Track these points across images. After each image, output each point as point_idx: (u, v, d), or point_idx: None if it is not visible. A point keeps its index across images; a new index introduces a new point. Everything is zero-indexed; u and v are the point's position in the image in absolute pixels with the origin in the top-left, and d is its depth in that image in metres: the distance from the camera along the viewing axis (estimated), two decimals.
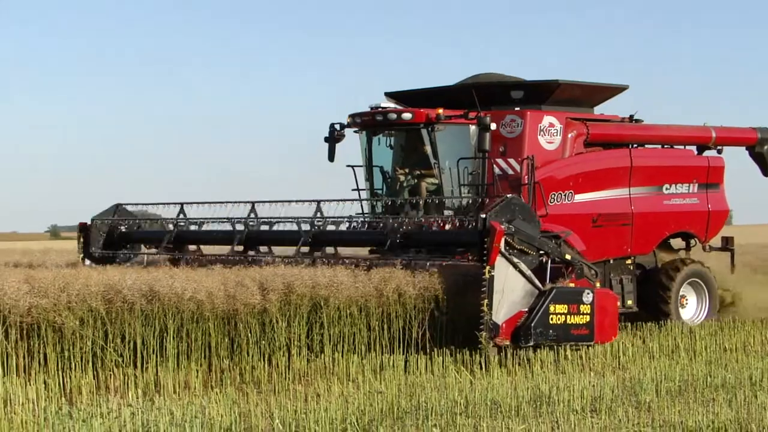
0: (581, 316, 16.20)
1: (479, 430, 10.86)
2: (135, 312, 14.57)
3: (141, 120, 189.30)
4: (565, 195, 19.68)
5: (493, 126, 18.46)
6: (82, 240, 20.93)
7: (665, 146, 22.36)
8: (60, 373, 13.93)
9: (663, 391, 13.30)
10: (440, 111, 18.58)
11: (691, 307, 21.39)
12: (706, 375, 14.45)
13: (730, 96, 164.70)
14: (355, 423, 11.27)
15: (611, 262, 20.38)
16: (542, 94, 20.13)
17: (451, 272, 16.69)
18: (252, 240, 19.25)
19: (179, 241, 20.19)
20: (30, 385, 13.19)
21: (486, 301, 15.38)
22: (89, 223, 20.99)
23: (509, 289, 15.84)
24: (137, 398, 12.76)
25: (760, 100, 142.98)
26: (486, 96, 19.08)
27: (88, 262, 20.21)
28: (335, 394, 13.00)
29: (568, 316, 16.10)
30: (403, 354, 15.80)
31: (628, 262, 20.77)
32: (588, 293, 16.29)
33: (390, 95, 20.77)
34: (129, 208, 21.46)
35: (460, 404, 12.24)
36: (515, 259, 15.90)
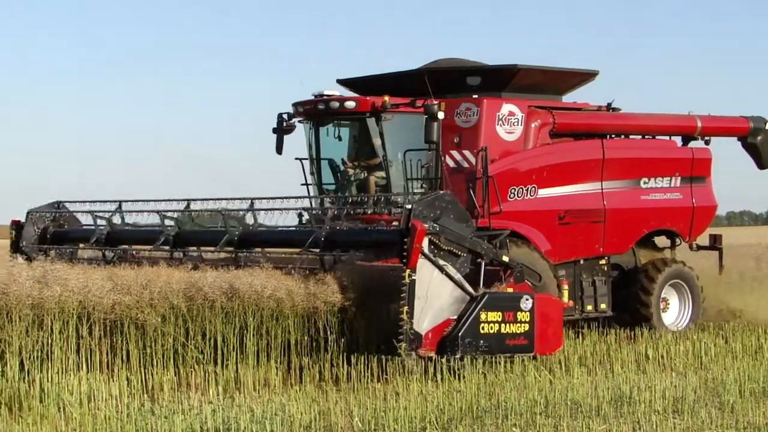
0: (518, 325, 14.75)
1: (559, 430, 10.79)
2: (215, 309, 14.63)
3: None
4: (527, 189, 18.13)
5: (441, 115, 16.70)
6: (13, 235, 19.45)
7: (646, 137, 20.96)
8: (142, 369, 14.06)
9: (747, 392, 13.11)
10: (386, 99, 17.08)
11: (673, 311, 20.00)
12: None
13: (727, 85, 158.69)
14: (434, 421, 11.26)
15: (582, 262, 19.05)
16: (501, 81, 18.50)
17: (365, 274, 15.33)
18: (181, 240, 17.65)
19: (111, 240, 18.57)
20: (113, 381, 13.34)
21: (406, 308, 13.92)
22: (24, 219, 19.52)
23: (434, 294, 14.32)
24: (218, 395, 12.88)
25: (757, 91, 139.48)
26: (441, 83, 17.88)
27: (19, 258, 18.88)
28: (414, 393, 12.98)
29: (503, 325, 14.64)
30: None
31: (602, 262, 19.40)
32: (527, 299, 14.81)
33: (342, 82, 19.45)
34: (69, 206, 19.88)
35: (540, 404, 12.17)
36: (441, 262, 14.39)
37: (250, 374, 13.72)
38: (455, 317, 14.40)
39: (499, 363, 15.23)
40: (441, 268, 14.32)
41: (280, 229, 16.90)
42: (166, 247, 17.35)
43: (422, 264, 14.08)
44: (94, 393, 12.68)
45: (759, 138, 21.78)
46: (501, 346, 14.58)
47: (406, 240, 14.02)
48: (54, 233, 19.24)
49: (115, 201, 19.03)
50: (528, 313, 14.73)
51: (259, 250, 16.61)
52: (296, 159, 18.60)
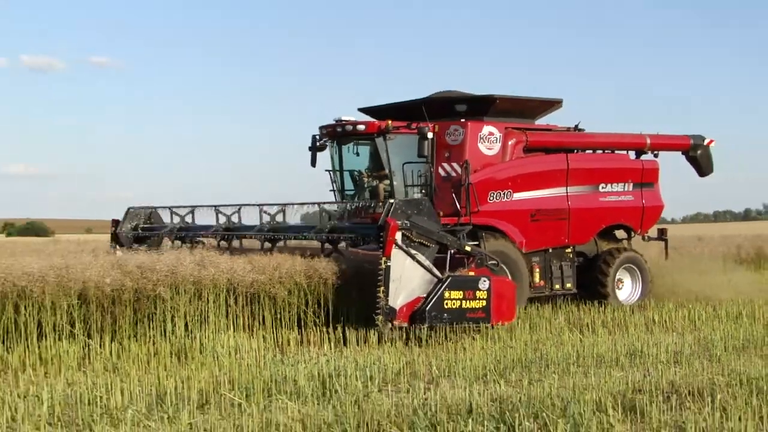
0: (477, 301, 14.29)
1: (588, 376, 10.77)
2: (328, 285, 14.74)
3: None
4: (504, 193, 17.63)
5: (430, 135, 16.53)
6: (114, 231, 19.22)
7: (606, 151, 20.23)
8: (274, 330, 14.19)
9: (730, 348, 13.03)
10: (389, 123, 16.79)
11: (626, 289, 19.55)
12: (764, 335, 14.11)
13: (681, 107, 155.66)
14: (493, 369, 11.30)
15: (550, 250, 18.56)
16: (483, 107, 17.98)
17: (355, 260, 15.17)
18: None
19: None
20: (253, 338, 13.53)
21: (383, 287, 13.66)
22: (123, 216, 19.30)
23: (407, 277, 13.96)
24: (330, 349, 13.03)
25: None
26: (437, 110, 17.40)
27: (118, 249, 18.34)
28: (477, 348, 13.06)
29: (464, 301, 14.22)
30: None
31: (568, 250, 18.89)
32: (484, 281, 14.33)
33: (362, 110, 18.93)
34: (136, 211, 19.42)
35: (573, 356, 12.19)
36: (413, 251, 14.04)
37: (354, 334, 13.80)
38: (425, 295, 14.09)
39: (541, 326, 15.27)
40: (413, 257, 14.03)
41: (299, 226, 16.90)
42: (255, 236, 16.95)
43: (396, 253, 13.82)
44: (239, 347, 12.88)
45: (699, 152, 21.27)
46: (462, 318, 14.22)
47: (382, 234, 13.84)
48: (143, 228, 19.16)
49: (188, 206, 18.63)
50: (485, 292, 14.31)
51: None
52: (326, 171, 18.25)
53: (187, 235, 18.20)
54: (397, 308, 13.85)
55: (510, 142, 18.06)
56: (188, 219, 18.52)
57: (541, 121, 19.59)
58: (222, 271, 14.10)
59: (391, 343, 13.48)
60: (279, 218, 16.64)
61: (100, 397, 9.55)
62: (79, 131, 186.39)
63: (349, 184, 18.09)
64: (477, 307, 14.31)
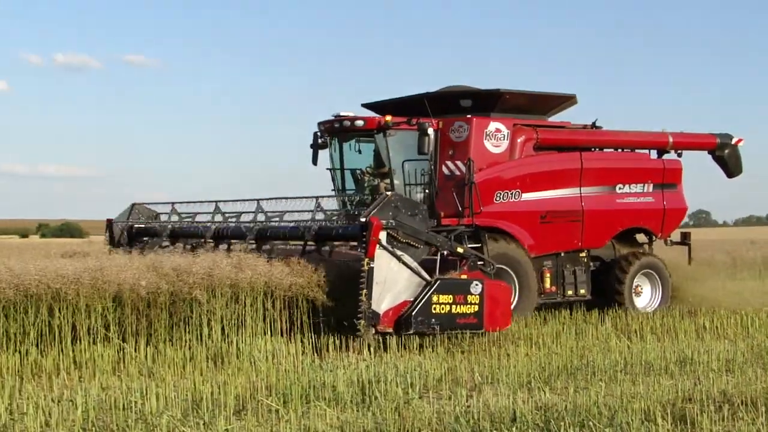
0: (468, 306, 13.69)
1: (636, 384, 10.58)
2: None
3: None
4: (512, 194, 17.10)
5: (431, 131, 16.23)
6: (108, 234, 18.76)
7: (626, 150, 19.65)
8: (312, 335, 14.08)
9: None
10: (388, 118, 16.37)
11: (645, 296, 18.84)
12: None
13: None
14: (538, 377, 11.15)
15: (562, 254, 18.00)
16: (489, 103, 17.41)
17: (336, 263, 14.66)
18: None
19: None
20: (290, 343, 13.45)
21: (365, 291, 13.06)
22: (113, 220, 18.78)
23: (392, 280, 13.38)
24: (370, 355, 12.89)
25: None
26: (441, 105, 17.02)
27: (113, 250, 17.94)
28: (521, 354, 12.88)
29: (454, 306, 13.61)
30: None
31: (582, 254, 18.29)
32: (476, 284, 13.74)
33: (366, 105, 18.43)
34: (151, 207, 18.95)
35: (620, 363, 11.99)
36: (399, 252, 13.44)
37: (394, 339, 13.70)
38: (412, 299, 13.50)
39: (587, 332, 15.08)
40: (399, 258, 13.45)
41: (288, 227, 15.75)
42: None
43: (380, 254, 13.26)
44: (276, 352, 12.84)
45: (726, 152, 20.57)
46: (452, 324, 13.65)
47: (365, 233, 13.26)
48: (138, 228, 18.53)
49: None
50: (478, 296, 13.73)
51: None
52: (327, 169, 17.87)
53: (182, 235, 17.51)
54: (381, 313, 13.34)
55: (519, 140, 17.56)
56: (187, 219, 17.95)
57: (556, 118, 19.12)
58: (259, 273, 14.01)
59: (432, 349, 13.35)
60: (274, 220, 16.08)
61: (135, 402, 9.51)
62: (114, 131, 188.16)
63: (350, 184, 17.66)
64: (468, 312, 13.74)
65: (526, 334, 14.58)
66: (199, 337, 13.42)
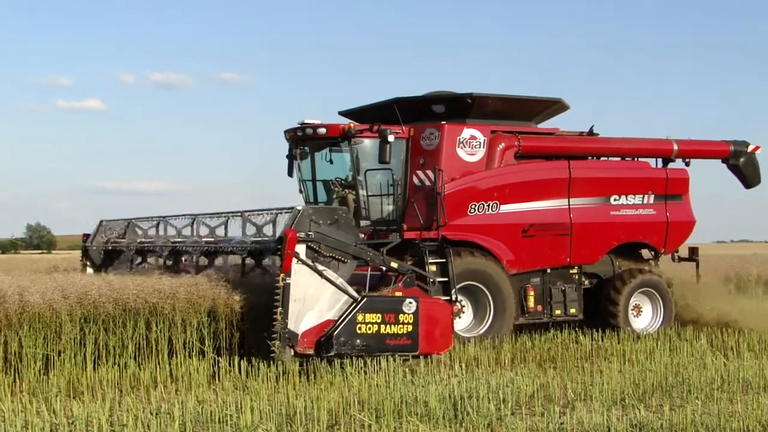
0: (400, 326, 12.89)
1: (734, 402, 10.52)
2: None
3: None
4: (488, 205, 16.04)
5: (392, 138, 15.22)
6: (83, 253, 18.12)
7: (625, 158, 18.42)
8: None
9: None
10: (351, 125, 15.59)
11: (646, 316, 17.68)
12: None
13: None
14: (632, 394, 11.14)
15: (549, 271, 16.89)
16: (463, 108, 16.37)
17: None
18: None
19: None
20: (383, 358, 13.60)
21: (280, 309, 12.21)
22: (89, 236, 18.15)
23: (313, 297, 12.53)
24: (462, 370, 12.95)
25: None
26: (413, 111, 16.14)
27: (89, 269, 17.70)
28: (615, 371, 12.86)
29: (383, 326, 12.79)
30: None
31: (573, 271, 17.18)
32: (410, 302, 12.94)
33: (342, 113, 17.43)
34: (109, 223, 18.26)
35: (717, 381, 11.90)
36: (321, 267, 12.60)
37: (485, 354, 13.78)
38: (336, 318, 12.70)
39: (682, 349, 14.96)
40: (320, 273, 12.60)
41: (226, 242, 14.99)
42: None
43: (298, 269, 12.41)
44: (368, 366, 12.83)
45: (741, 160, 19.22)
46: (381, 346, 12.85)
47: (279, 247, 12.55)
48: (114, 243, 17.70)
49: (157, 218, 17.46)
50: (412, 315, 12.94)
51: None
52: (300, 180, 16.95)
53: (148, 249, 16.79)
54: (300, 333, 12.48)
55: (498, 147, 16.59)
56: (152, 232, 17.30)
57: (548, 125, 18.16)
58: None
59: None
60: (220, 231, 15.38)
61: (230, 416, 9.78)
62: (206, 147, 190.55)
63: (322, 195, 16.79)
64: (400, 333, 12.96)
65: (619, 351, 14.55)
66: None
